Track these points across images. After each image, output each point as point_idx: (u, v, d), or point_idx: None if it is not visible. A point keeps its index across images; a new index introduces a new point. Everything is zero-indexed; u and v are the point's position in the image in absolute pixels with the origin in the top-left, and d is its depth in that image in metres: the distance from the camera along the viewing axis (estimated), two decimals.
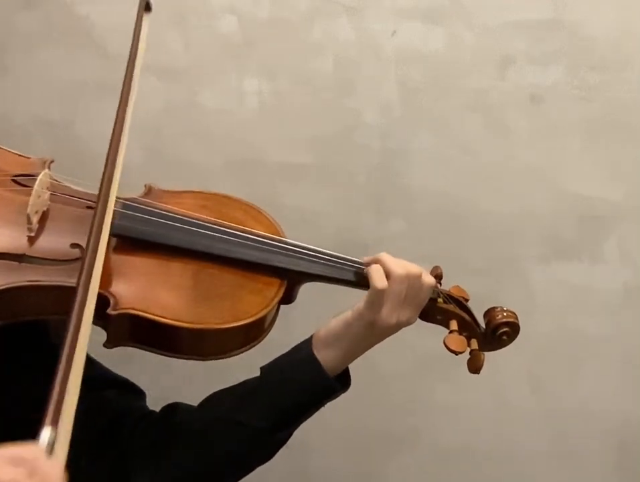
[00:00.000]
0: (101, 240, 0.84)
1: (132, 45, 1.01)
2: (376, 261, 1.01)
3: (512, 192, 1.77)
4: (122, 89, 0.97)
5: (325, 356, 1.00)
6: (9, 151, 1.05)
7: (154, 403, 1.14)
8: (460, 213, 1.79)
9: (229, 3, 1.74)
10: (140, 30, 1.03)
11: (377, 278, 0.98)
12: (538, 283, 1.81)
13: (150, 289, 0.95)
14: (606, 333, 1.82)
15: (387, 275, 0.99)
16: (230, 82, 1.77)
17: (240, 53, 1.75)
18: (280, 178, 1.79)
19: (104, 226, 0.86)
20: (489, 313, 1.07)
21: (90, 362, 0.70)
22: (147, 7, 1.08)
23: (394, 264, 1.00)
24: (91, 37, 1.75)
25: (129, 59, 0.99)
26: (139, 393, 1.13)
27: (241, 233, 1.02)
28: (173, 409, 1.07)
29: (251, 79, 1.76)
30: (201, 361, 0.97)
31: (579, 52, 1.70)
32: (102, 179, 0.90)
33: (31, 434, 0.98)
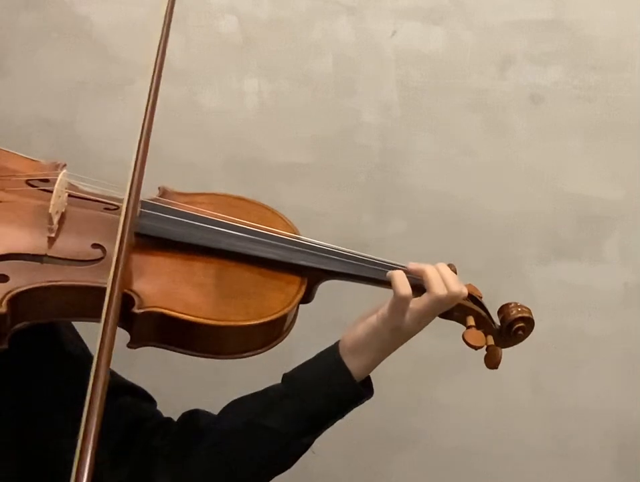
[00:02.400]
0: (127, 245, 0.85)
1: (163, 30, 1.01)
2: (422, 271, 1.00)
3: (512, 192, 1.77)
4: (151, 86, 0.98)
5: (353, 363, 1.00)
6: (20, 155, 1.06)
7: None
8: (460, 213, 1.79)
9: (229, 3, 1.74)
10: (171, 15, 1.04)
11: (401, 285, 0.98)
12: (538, 283, 1.81)
13: (174, 287, 0.95)
14: (606, 333, 1.82)
15: (428, 288, 0.98)
16: (230, 82, 1.77)
17: (240, 53, 1.75)
18: (280, 178, 1.79)
19: (130, 230, 0.86)
20: (503, 310, 1.07)
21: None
22: None
23: (450, 278, 0.99)
24: (91, 37, 1.75)
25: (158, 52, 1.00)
26: (152, 401, 1.13)
27: (261, 232, 1.03)
28: (193, 415, 1.07)
29: (251, 79, 1.76)
30: (221, 361, 0.97)
31: (579, 52, 1.70)
32: (132, 183, 0.90)
33: (44, 429, 0.98)
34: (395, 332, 0.99)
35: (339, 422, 1.05)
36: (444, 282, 0.99)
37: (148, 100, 0.97)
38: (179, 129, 1.79)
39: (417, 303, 0.99)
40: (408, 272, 1.01)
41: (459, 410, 1.87)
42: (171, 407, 1.12)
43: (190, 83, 1.77)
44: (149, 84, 0.98)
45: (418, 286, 1.00)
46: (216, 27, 1.75)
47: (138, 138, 0.92)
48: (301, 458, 1.05)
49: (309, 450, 1.04)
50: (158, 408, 1.13)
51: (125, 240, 0.84)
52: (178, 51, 1.75)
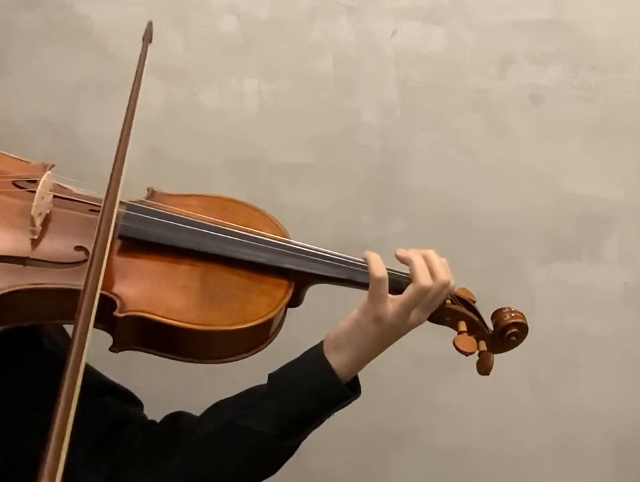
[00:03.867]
0: (107, 245, 0.83)
1: (137, 73, 1.01)
2: (408, 260, 1.00)
3: (512, 192, 1.77)
4: (128, 107, 0.97)
5: (336, 360, 0.98)
6: (9, 156, 1.05)
7: (153, 404, 1.14)
8: (460, 213, 1.79)
9: (229, 3, 1.74)
10: (144, 60, 1.03)
11: (376, 267, 0.97)
12: (538, 283, 1.81)
13: (157, 291, 0.93)
14: (606, 333, 1.82)
15: (412, 278, 0.97)
16: (230, 82, 1.77)
17: (240, 53, 1.75)
18: (280, 178, 1.79)
19: (109, 230, 0.85)
20: (496, 314, 1.06)
21: (86, 370, 0.68)
22: (150, 39, 1.08)
23: (422, 271, 0.98)
24: (91, 37, 1.75)
25: (134, 83, 0.99)
26: (138, 404, 1.11)
27: (248, 235, 1.01)
28: (176, 416, 1.05)
29: (251, 80, 1.76)
30: (207, 365, 0.96)
31: (579, 52, 1.70)
32: (109, 183, 0.89)
33: (21, 434, 0.96)
34: (378, 323, 0.96)
35: (339, 421, 1.04)
36: (432, 271, 0.98)
37: (129, 104, 0.96)
38: (179, 129, 1.79)
39: (402, 295, 0.97)
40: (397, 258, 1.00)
41: (458, 409, 1.87)
42: (167, 408, 1.11)
43: (190, 83, 1.77)
44: (130, 92, 0.97)
45: (403, 285, 0.99)
46: (216, 27, 1.75)
47: (118, 140, 0.91)
48: (301, 457, 1.03)
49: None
50: (155, 409, 1.12)
51: (104, 241, 0.82)
52: (178, 51, 1.76)
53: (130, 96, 0.97)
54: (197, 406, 1.08)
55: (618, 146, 1.74)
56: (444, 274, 0.98)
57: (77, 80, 1.77)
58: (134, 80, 0.99)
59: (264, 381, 1.03)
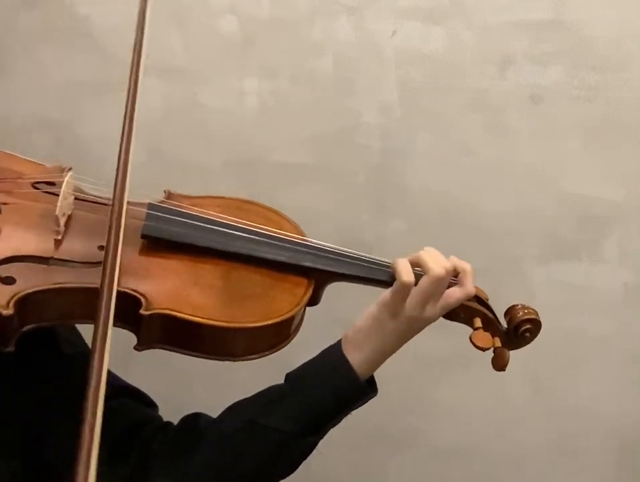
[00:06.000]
0: (119, 242, 0.83)
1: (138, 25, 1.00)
2: (416, 258, 1.01)
3: (512, 192, 1.77)
4: (130, 79, 0.97)
5: (355, 357, 0.99)
6: (24, 159, 1.06)
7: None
8: (460, 213, 1.79)
9: (229, 3, 1.74)
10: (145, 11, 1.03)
11: (404, 272, 0.98)
12: (538, 283, 1.81)
13: (182, 289, 0.95)
14: (606, 333, 1.82)
15: (425, 271, 0.99)
16: (230, 81, 1.77)
17: (240, 53, 1.76)
18: (280, 178, 1.79)
19: (121, 226, 0.85)
20: (509, 311, 1.07)
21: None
22: None
23: (433, 262, 1.00)
24: (91, 37, 1.75)
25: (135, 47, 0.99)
26: (152, 405, 1.11)
27: (269, 234, 1.03)
28: (194, 417, 1.06)
29: (251, 79, 1.76)
30: (231, 362, 0.97)
31: (579, 52, 1.70)
32: (116, 178, 0.89)
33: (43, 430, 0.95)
34: (396, 318, 0.98)
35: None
36: (439, 262, 1.00)
37: (128, 98, 0.96)
38: (179, 129, 1.79)
39: (416, 288, 0.98)
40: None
41: (459, 409, 1.87)
42: (168, 411, 1.11)
43: (190, 83, 1.77)
44: (127, 85, 0.97)
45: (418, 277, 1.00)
46: (216, 27, 1.75)
47: (120, 138, 0.91)
48: None
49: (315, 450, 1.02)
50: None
51: (117, 235, 0.83)
52: (178, 50, 1.76)
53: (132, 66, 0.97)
54: (199, 410, 1.08)
55: (618, 146, 1.74)
56: (447, 263, 1.01)
57: (77, 80, 1.77)
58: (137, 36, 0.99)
59: (270, 383, 1.03)
